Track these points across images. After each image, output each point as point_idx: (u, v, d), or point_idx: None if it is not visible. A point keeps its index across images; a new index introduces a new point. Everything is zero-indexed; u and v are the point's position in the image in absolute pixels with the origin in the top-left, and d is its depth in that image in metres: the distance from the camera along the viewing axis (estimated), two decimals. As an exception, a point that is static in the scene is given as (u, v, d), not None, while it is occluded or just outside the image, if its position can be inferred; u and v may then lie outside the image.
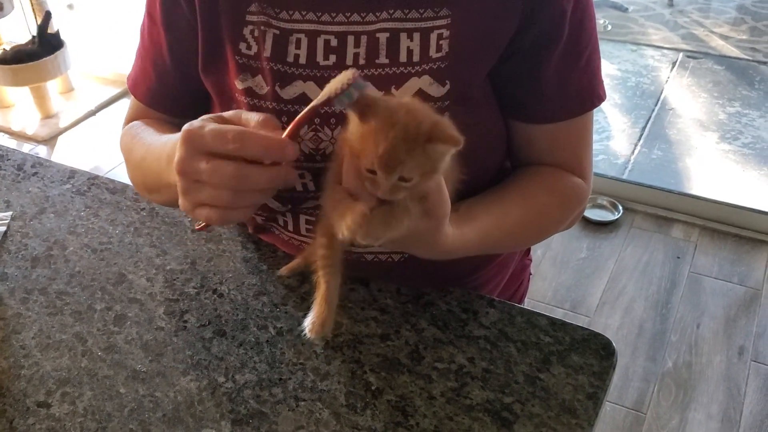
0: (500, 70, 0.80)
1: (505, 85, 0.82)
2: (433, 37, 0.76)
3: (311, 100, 0.79)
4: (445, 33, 0.76)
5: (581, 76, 0.83)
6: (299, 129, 0.68)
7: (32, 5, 3.15)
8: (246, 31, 0.80)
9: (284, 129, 0.69)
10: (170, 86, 0.91)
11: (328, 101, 0.62)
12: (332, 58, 0.78)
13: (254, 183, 0.66)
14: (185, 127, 0.68)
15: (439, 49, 0.76)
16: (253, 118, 0.69)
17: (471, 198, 0.82)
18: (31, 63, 3.01)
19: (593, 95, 0.85)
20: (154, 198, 0.89)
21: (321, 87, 0.78)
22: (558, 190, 0.87)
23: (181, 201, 0.70)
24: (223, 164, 0.65)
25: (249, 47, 0.80)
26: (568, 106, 0.84)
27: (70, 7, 3.86)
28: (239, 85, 0.82)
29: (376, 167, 0.60)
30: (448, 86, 0.77)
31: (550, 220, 0.88)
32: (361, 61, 0.77)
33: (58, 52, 3.07)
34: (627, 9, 4.13)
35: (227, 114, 0.71)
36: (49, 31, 3.07)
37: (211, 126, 0.66)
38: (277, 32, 0.79)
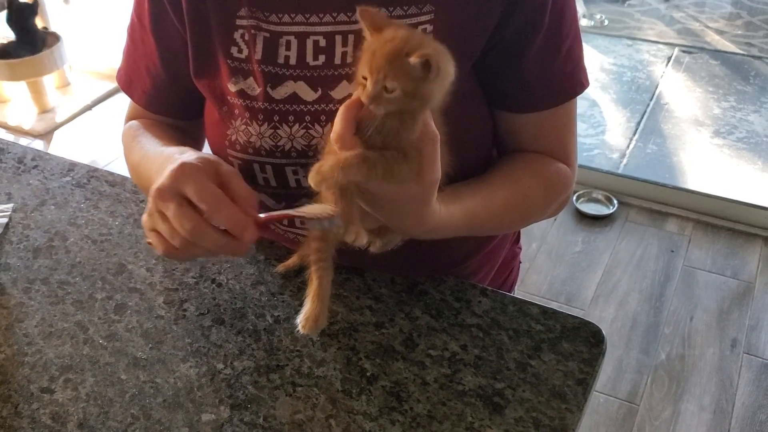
0: (483, 62, 0.82)
1: (489, 76, 0.84)
2: None
3: (302, 100, 0.81)
4: (429, 28, 0.78)
5: (563, 65, 0.84)
6: (272, 221, 0.74)
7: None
8: (237, 35, 0.82)
9: (262, 207, 0.76)
10: (165, 91, 0.93)
11: (303, 216, 0.69)
12: (321, 58, 0.80)
13: (204, 241, 0.71)
14: (182, 160, 0.72)
15: None
16: (241, 191, 0.73)
17: (457, 182, 0.84)
18: (28, 58, 3.02)
19: (575, 83, 0.86)
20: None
21: (311, 86, 0.81)
22: (543, 174, 0.89)
23: (144, 217, 0.76)
24: (188, 215, 0.70)
25: (240, 51, 0.82)
26: (551, 95, 0.86)
27: (66, 1, 3.87)
28: (232, 87, 0.84)
29: (366, 72, 0.64)
30: None
31: (535, 204, 0.90)
32: (349, 59, 0.79)
33: (54, 47, 3.08)
34: (624, 3, 4.15)
35: (225, 168, 0.75)
36: (40, 26, 3.07)
37: (200, 180, 0.71)
38: (268, 35, 0.81)
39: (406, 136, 0.65)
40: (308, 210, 0.68)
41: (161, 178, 0.72)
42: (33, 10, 3.07)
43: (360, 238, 0.70)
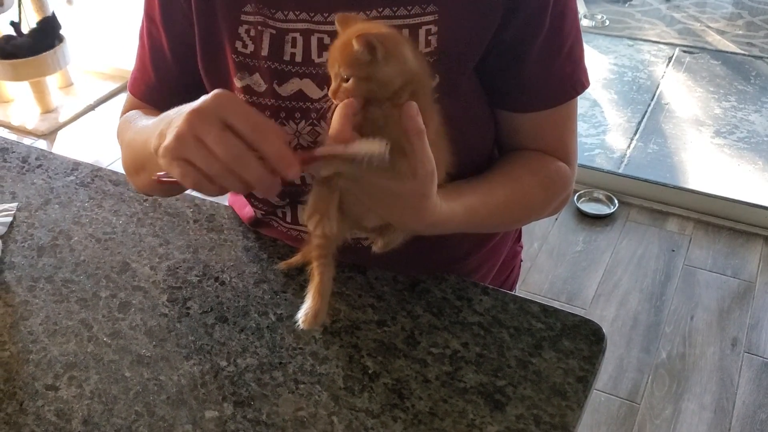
0: (485, 62, 0.83)
1: (490, 76, 0.85)
2: (422, 33, 0.78)
3: (308, 97, 0.82)
4: (433, 29, 0.78)
5: (564, 65, 0.85)
6: (313, 161, 0.67)
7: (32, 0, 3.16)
8: (241, 30, 0.82)
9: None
10: (170, 82, 0.93)
11: (353, 156, 0.64)
12: (326, 55, 0.80)
13: (247, 171, 0.64)
14: (224, 90, 0.67)
15: (427, 44, 0.78)
16: (276, 127, 0.69)
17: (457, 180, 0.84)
18: (31, 57, 3.03)
19: (576, 83, 0.87)
20: (141, 179, 0.87)
21: (317, 83, 0.81)
22: (543, 173, 0.89)
23: (168, 143, 0.66)
24: (233, 141, 0.64)
25: (245, 46, 0.83)
26: (551, 95, 0.86)
27: (69, 2, 3.88)
28: (237, 83, 0.84)
29: (329, 69, 0.66)
30: (437, 80, 0.79)
31: (535, 202, 0.90)
32: None
33: (57, 47, 3.09)
34: (625, 4, 4.16)
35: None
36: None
37: (244, 107, 0.66)
38: (274, 32, 0.81)
39: (396, 129, 0.65)
40: (359, 146, 0.64)
41: (197, 103, 0.65)
42: (59, 25, 3.12)
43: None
